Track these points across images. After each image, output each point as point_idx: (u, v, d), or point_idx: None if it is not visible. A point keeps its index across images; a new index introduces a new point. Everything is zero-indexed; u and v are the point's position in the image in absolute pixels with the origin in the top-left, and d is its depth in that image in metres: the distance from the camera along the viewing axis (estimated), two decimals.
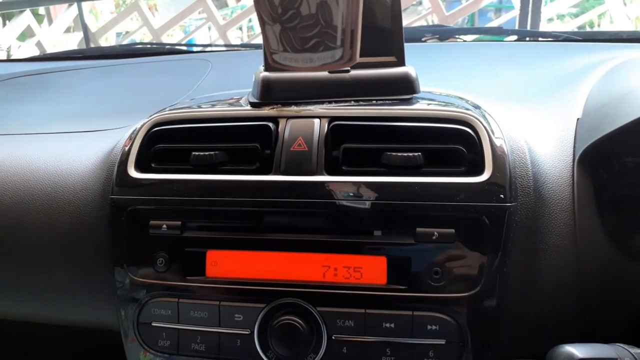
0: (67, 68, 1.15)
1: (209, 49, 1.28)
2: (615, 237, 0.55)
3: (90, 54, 1.31)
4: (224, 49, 1.34)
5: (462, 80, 0.85)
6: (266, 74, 0.63)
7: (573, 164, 0.58)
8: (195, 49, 1.27)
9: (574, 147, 0.60)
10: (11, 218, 0.66)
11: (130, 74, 1.09)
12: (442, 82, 0.73)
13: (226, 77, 1.00)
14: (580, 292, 0.55)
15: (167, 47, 1.31)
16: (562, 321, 0.55)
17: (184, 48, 1.25)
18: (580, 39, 1.04)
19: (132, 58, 1.18)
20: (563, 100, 0.70)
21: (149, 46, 1.31)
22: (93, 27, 3.24)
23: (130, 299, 0.60)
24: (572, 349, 0.42)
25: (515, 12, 3.02)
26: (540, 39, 1.12)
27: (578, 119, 0.63)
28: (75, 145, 0.74)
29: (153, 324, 0.59)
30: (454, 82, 0.79)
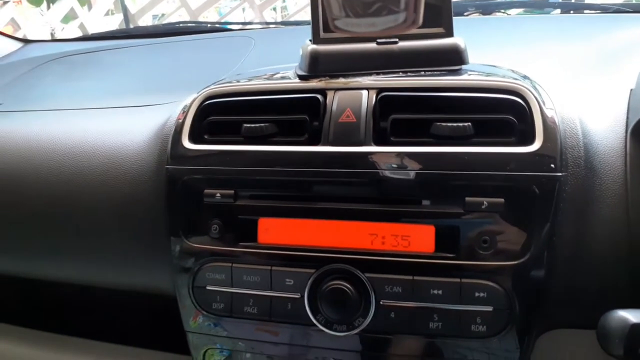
0: (114, 47, 1.18)
1: (249, 26, 1.29)
2: None
3: (134, 33, 1.35)
4: (262, 26, 1.35)
5: (508, 54, 0.84)
6: (314, 46, 0.64)
7: (626, 135, 0.57)
8: (235, 27, 1.28)
9: (627, 117, 0.59)
10: (70, 189, 0.70)
11: (175, 52, 1.12)
12: (487, 56, 0.73)
13: (269, 53, 1.01)
14: (631, 263, 0.54)
15: (209, 25, 1.33)
16: (612, 291, 0.55)
17: (226, 26, 1.26)
18: (631, 10, 1.01)
19: (175, 36, 1.20)
20: (615, 72, 0.69)
21: (190, 25, 1.33)
22: (132, 9, 3.30)
23: (185, 265, 0.63)
24: (626, 313, 0.42)
25: None
26: (587, 11, 1.09)
27: (631, 89, 0.62)
28: (127, 120, 0.77)
29: (208, 288, 0.62)
30: (500, 57, 0.78)
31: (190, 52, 1.10)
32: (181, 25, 1.35)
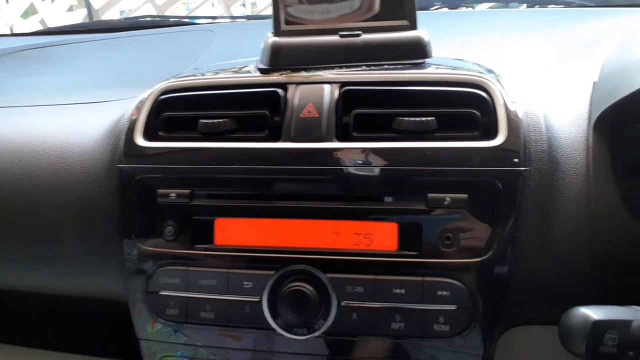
0: (71, 41, 1.14)
1: (213, 21, 1.26)
2: (629, 202, 0.54)
3: (94, 27, 1.29)
4: (228, 20, 1.32)
5: (473, 48, 0.83)
6: (275, 39, 0.61)
7: (588, 129, 0.57)
8: (200, 21, 1.25)
9: (590, 111, 0.59)
10: (19, 189, 0.66)
11: (135, 46, 1.08)
12: (452, 50, 0.72)
13: (232, 47, 0.98)
14: (594, 258, 0.54)
15: (172, 19, 1.29)
16: (575, 286, 0.55)
17: (189, 20, 1.22)
18: (594, 4, 1.01)
19: (136, 30, 1.16)
20: (578, 65, 0.69)
21: (152, 19, 1.29)
22: (96, 4, 3.20)
23: (138, 268, 0.60)
24: (587, 310, 0.41)
25: None
26: (551, 6, 1.09)
27: (594, 82, 0.61)
28: (80, 116, 0.73)
29: (161, 293, 0.59)
30: (465, 50, 0.77)
31: (150, 46, 1.06)
32: (143, 19, 1.31)
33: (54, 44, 1.12)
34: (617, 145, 0.55)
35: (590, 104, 0.59)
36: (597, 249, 0.54)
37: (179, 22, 1.22)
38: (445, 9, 1.09)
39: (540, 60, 0.77)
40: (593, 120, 0.57)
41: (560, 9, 1.03)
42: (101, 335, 0.85)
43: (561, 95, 0.62)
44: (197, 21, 1.26)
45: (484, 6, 1.16)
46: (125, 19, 1.30)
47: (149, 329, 0.61)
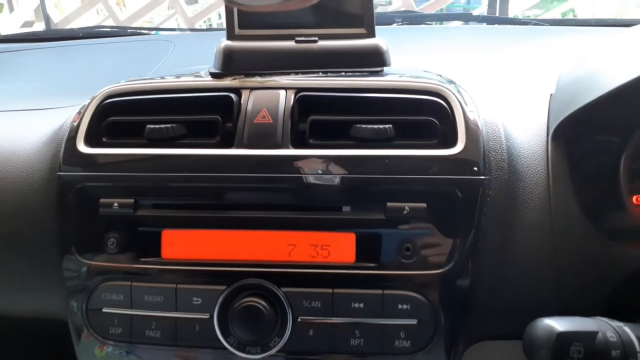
0: (21, 48, 1.08)
1: (171, 33, 1.23)
2: (589, 213, 0.54)
3: (48, 36, 1.24)
4: (187, 32, 1.29)
5: (433, 61, 0.83)
6: (228, 42, 0.59)
7: (547, 139, 0.57)
8: (159, 32, 1.22)
9: (548, 122, 0.59)
10: None
11: (89, 55, 1.04)
12: (412, 63, 0.71)
13: (190, 57, 0.95)
14: (556, 269, 0.53)
15: (130, 30, 1.25)
16: (538, 298, 0.53)
17: (147, 32, 1.19)
18: (548, 24, 1.04)
19: (92, 39, 1.12)
20: (535, 78, 0.69)
21: (109, 29, 1.25)
22: (55, 18, 3.12)
23: (79, 284, 0.55)
24: (552, 322, 0.40)
25: (483, 9, 3.04)
26: (508, 24, 1.11)
27: (551, 94, 0.62)
28: (21, 122, 0.69)
29: (104, 310, 0.54)
30: (425, 64, 0.77)
31: (105, 55, 1.02)
32: (99, 29, 1.27)
33: (4, 50, 1.07)
34: (575, 157, 0.55)
35: (548, 115, 0.59)
36: (559, 259, 0.53)
37: (135, 32, 1.18)
38: (406, 25, 1.09)
39: (499, 74, 0.77)
40: (551, 131, 0.57)
41: (517, 27, 1.05)
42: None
43: (519, 107, 0.62)
44: (157, 33, 1.23)
45: (444, 23, 1.17)
46: (80, 28, 1.25)
47: (96, 352, 0.56)
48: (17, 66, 1.01)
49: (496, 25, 1.08)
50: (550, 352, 0.38)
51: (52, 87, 0.87)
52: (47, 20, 2.83)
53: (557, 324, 0.39)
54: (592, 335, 0.39)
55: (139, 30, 1.20)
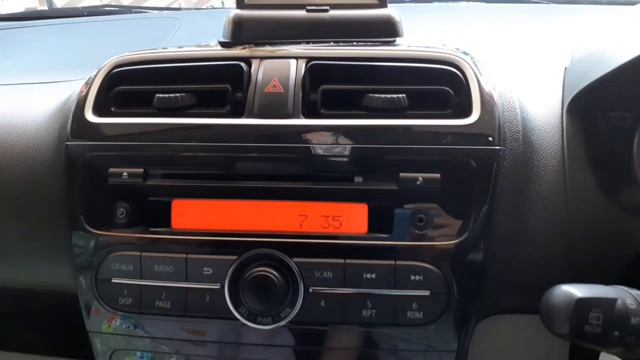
0: (26, 26, 1.07)
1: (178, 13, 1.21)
2: (604, 188, 0.53)
3: (52, 14, 1.23)
4: (194, 10, 1.27)
5: (446, 37, 0.81)
6: (238, 11, 0.58)
7: (562, 112, 0.56)
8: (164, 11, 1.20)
9: (563, 95, 0.58)
10: None
11: (95, 32, 1.02)
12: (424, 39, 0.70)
13: (196, 34, 0.94)
14: (570, 242, 0.52)
15: (134, 9, 1.24)
16: (552, 271, 0.52)
17: (152, 11, 1.17)
18: (561, 3, 1.02)
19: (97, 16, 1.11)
20: (548, 54, 0.68)
21: (114, 8, 1.23)
22: (60, 3, 3.09)
23: (88, 255, 0.55)
24: (570, 288, 0.39)
25: None
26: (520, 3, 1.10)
27: (565, 68, 0.61)
28: (27, 97, 0.68)
29: (113, 281, 0.54)
30: (438, 39, 0.76)
31: (111, 32, 1.01)
32: (104, 7, 1.25)
33: (7, 27, 1.05)
34: (590, 131, 0.54)
35: (563, 88, 0.58)
36: (573, 232, 0.52)
37: (141, 11, 1.17)
38: (416, 4, 1.07)
39: (511, 49, 0.76)
40: (566, 104, 0.56)
41: (528, 5, 1.04)
42: (52, 332, 0.78)
43: (533, 80, 0.60)
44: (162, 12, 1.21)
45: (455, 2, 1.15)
46: (85, 7, 1.23)
47: (103, 327, 0.56)
48: (22, 42, 1.00)
49: (508, 4, 1.06)
50: (569, 319, 0.37)
51: (58, 62, 0.86)
52: (50, 4, 2.81)
53: (576, 290, 0.38)
54: (611, 302, 0.38)
55: (144, 10, 1.19)
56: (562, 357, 0.63)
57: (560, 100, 0.57)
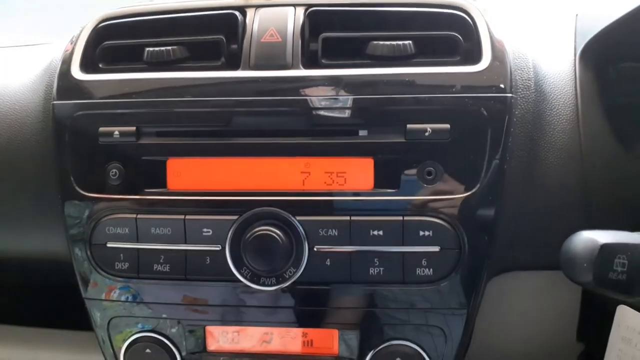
0: None
1: None
2: (620, 135, 0.51)
3: None
4: None
5: None
6: None
7: (575, 60, 0.53)
8: None
9: (575, 42, 0.55)
10: None
11: None
12: None
13: None
14: (585, 191, 0.50)
15: None
16: (566, 222, 0.50)
17: None
18: None
19: None
20: (559, 2, 0.65)
21: None
22: None
23: (80, 219, 0.52)
24: (593, 234, 0.37)
25: None
26: None
27: (577, 14, 0.58)
28: (11, 59, 0.65)
29: (108, 245, 0.52)
30: None
31: None
32: None
33: None
34: (606, 80, 0.52)
35: (575, 35, 0.56)
36: (588, 181, 0.50)
37: None
38: None
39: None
40: (579, 51, 0.53)
41: None
42: (50, 304, 0.77)
43: (544, 27, 0.58)
44: None
45: None
46: None
47: (102, 289, 0.54)
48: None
49: None
50: (593, 266, 0.35)
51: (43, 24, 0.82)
52: None
53: (600, 236, 0.36)
54: (637, 247, 0.36)
55: None
56: (573, 314, 0.62)
57: (573, 48, 0.55)
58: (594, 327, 0.60)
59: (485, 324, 0.60)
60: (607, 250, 0.35)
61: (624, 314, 0.45)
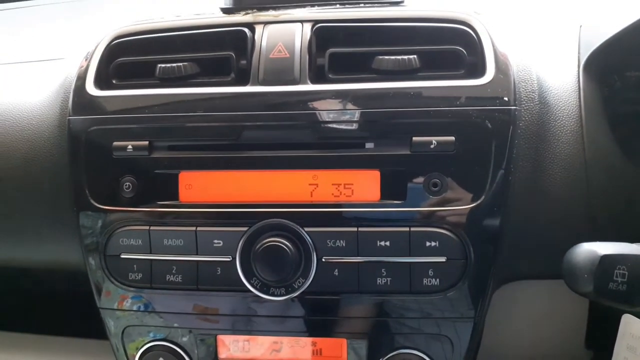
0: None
1: None
2: (623, 147, 0.51)
3: None
4: None
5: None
6: None
7: (578, 72, 0.54)
8: None
9: (579, 53, 0.55)
10: None
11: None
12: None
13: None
14: (590, 202, 0.50)
15: None
16: (570, 233, 0.51)
17: None
18: None
19: None
20: (563, 11, 0.66)
21: None
22: None
23: (95, 231, 0.54)
24: (593, 246, 0.37)
25: None
26: None
27: (581, 25, 0.58)
28: (28, 74, 0.67)
29: (122, 256, 0.53)
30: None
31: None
32: None
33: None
34: (610, 90, 0.53)
35: (579, 46, 0.56)
36: (592, 192, 0.50)
37: None
38: None
39: (525, 7, 0.74)
40: (582, 63, 0.54)
41: None
42: (66, 313, 0.78)
43: (548, 39, 0.58)
44: None
45: None
46: None
47: (116, 299, 0.55)
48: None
49: None
50: (593, 276, 0.36)
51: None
52: None
53: (600, 247, 0.37)
54: (636, 258, 0.36)
55: None
56: (581, 322, 0.62)
57: (577, 59, 0.55)
58: (603, 335, 0.60)
59: (493, 332, 0.60)
60: (607, 261, 0.36)
61: (629, 322, 0.46)
